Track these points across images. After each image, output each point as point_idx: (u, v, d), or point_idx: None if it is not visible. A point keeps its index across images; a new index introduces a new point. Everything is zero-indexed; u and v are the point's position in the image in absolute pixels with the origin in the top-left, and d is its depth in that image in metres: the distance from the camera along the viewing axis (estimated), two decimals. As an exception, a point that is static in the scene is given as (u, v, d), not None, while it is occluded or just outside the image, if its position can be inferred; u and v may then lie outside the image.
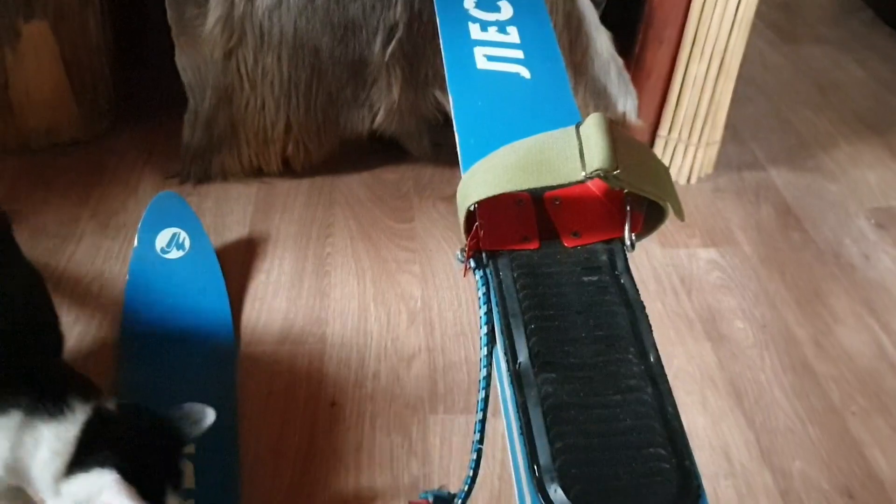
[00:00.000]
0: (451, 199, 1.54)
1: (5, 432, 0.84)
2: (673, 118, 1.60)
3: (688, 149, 1.63)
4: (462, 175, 0.92)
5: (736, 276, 1.43)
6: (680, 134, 1.61)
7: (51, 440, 0.84)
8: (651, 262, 1.46)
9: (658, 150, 1.63)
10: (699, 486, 0.74)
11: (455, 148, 0.96)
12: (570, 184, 0.85)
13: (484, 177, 0.88)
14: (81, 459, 0.84)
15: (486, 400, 0.83)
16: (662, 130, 1.61)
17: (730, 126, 1.71)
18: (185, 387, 1.13)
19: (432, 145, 1.63)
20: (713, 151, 1.66)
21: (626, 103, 1.53)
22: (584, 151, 0.81)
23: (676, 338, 1.30)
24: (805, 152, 1.79)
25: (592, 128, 0.81)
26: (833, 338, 1.31)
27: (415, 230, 1.49)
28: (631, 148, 0.85)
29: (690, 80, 1.55)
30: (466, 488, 0.86)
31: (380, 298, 1.33)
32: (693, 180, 1.66)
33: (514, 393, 0.80)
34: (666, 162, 1.63)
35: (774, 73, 2.12)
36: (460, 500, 0.87)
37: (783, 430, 1.15)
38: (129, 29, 1.78)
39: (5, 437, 0.83)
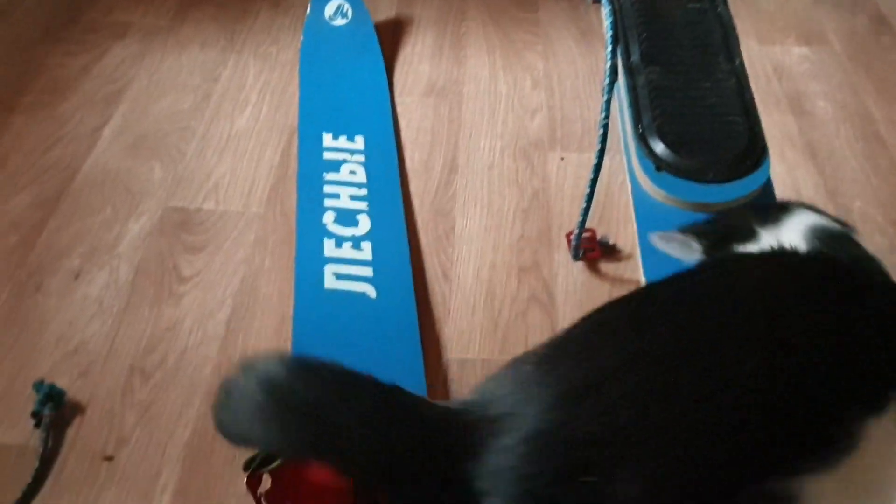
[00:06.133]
0: (572, -5, 1.74)
1: None
2: (781, -72, 1.73)
3: (792, -41, 1.77)
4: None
5: (824, 68, 1.60)
6: (786, -56, 1.75)
7: None
8: (748, 54, 1.62)
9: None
10: (765, 146, 0.98)
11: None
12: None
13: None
14: None
15: (612, 82, 1.00)
16: (770, -59, 1.75)
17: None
18: (355, 121, 1.41)
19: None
20: (817, -36, 1.79)
21: None
22: None
23: (763, 110, 1.47)
24: (907, -27, 1.89)
25: None
26: (906, 119, 1.49)
27: (539, 19, 1.70)
28: None
29: None
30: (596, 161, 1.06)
31: (507, 68, 1.57)
32: (795, -9, 1.81)
33: (627, 80, 1.04)
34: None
35: None
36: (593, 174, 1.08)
37: (849, 179, 1.36)
38: None
39: None
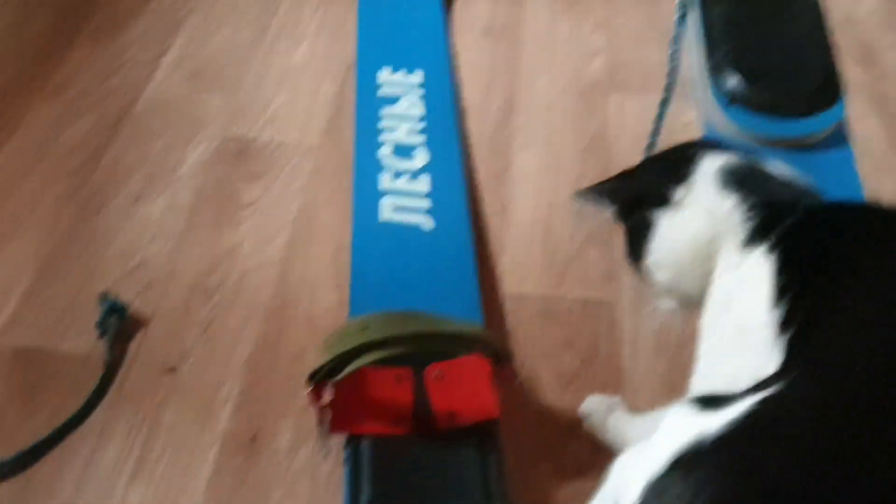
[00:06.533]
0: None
1: None
2: None
3: None
4: None
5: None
6: None
7: None
8: (815, 4, 1.59)
9: None
10: (841, 82, 0.94)
11: None
12: None
13: None
14: None
15: (683, 16, 0.98)
16: None
17: None
18: (413, 56, 1.40)
19: None
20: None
21: None
22: None
23: (831, 60, 1.45)
24: None
25: None
26: (982, 72, 1.44)
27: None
28: None
29: None
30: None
31: (568, 10, 1.55)
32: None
33: (701, 13, 1.01)
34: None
35: None
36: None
37: (918, 132, 1.32)
38: None
39: None
